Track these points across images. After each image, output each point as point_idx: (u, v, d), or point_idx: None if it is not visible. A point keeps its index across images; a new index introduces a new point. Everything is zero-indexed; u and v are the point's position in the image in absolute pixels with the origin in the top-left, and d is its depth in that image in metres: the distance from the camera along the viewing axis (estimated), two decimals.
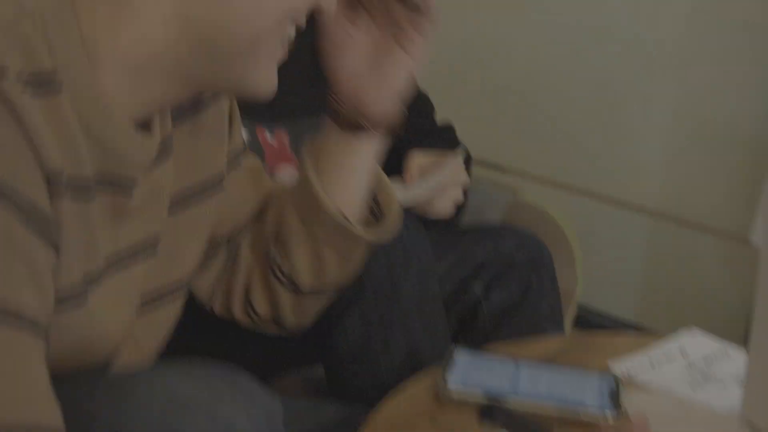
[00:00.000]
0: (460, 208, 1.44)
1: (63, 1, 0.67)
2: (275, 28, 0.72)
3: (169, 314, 0.85)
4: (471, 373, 0.94)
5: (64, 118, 0.65)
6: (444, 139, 1.52)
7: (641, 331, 1.94)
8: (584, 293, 1.81)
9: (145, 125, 0.73)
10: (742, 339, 1.77)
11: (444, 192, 1.33)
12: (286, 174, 1.38)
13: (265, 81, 0.75)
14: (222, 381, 0.68)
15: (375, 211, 0.99)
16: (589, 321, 1.95)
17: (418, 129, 1.48)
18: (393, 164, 1.33)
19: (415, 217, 1.22)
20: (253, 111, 1.31)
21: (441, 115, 1.54)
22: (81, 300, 0.70)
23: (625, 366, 1.01)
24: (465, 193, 1.49)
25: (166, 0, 0.69)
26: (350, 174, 0.91)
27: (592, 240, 1.96)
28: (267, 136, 1.36)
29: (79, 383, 0.68)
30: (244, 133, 1.33)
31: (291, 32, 0.75)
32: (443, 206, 1.36)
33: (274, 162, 1.36)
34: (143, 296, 0.81)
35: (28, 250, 0.61)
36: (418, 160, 1.34)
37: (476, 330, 1.38)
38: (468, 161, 1.55)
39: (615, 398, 0.91)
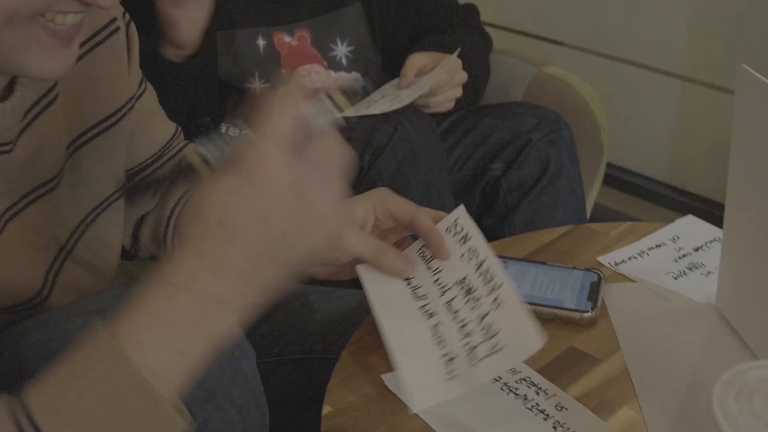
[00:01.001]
0: (477, 92, 1.47)
1: None
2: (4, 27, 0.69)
3: (99, 241, 0.91)
4: None
5: None
6: (461, 20, 1.53)
7: (672, 189, 1.96)
8: (617, 155, 1.83)
9: (5, 91, 0.78)
10: None
11: (442, 91, 1.36)
12: (311, 71, 1.42)
13: (37, 70, 0.73)
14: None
15: None
16: (620, 180, 1.97)
17: (435, 12, 1.50)
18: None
19: (423, 114, 1.26)
20: (270, 16, 1.35)
21: None
22: None
23: (613, 257, 1.06)
24: (486, 73, 1.51)
25: None
26: None
27: (623, 103, 1.96)
28: (284, 38, 1.40)
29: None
30: (260, 40, 1.37)
31: (62, 19, 0.72)
32: (441, 105, 1.39)
33: (294, 62, 1.40)
34: (61, 240, 0.86)
35: None
36: (416, 61, 1.36)
37: (497, 207, 1.44)
38: (488, 46, 1.55)
39: (594, 295, 0.96)
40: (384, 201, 0.92)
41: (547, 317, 0.94)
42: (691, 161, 1.95)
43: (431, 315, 0.86)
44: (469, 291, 0.86)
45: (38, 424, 0.57)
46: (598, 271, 1.00)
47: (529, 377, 0.86)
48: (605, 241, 1.09)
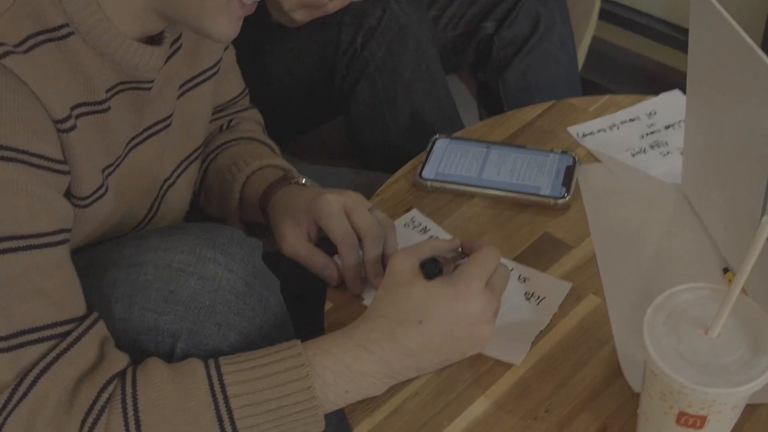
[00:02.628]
0: None
1: None
2: None
3: (189, 180, 1.02)
4: (444, 163, 1.08)
5: (77, 60, 0.78)
6: None
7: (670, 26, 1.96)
8: None
9: (157, 37, 0.87)
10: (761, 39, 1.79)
11: None
12: None
13: (218, 31, 0.83)
14: (204, 244, 0.85)
15: None
16: (617, 16, 1.97)
17: None
18: None
19: None
20: None
21: None
22: (102, 191, 0.86)
23: (582, 128, 1.12)
24: None
25: None
26: None
27: None
28: None
29: (105, 254, 0.87)
30: None
31: None
32: None
33: None
34: (166, 172, 0.97)
35: (35, 191, 0.75)
36: None
37: (491, 64, 1.49)
38: None
39: (568, 180, 1.04)
40: (326, 219, 0.95)
41: (525, 203, 1.02)
42: None
43: None
44: None
45: (228, 394, 0.77)
46: (574, 155, 1.07)
47: None
48: (584, 117, 1.14)
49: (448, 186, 1.05)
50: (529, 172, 1.05)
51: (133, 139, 0.90)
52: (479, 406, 0.84)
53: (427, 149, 1.10)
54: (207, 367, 0.79)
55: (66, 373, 0.75)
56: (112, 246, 0.88)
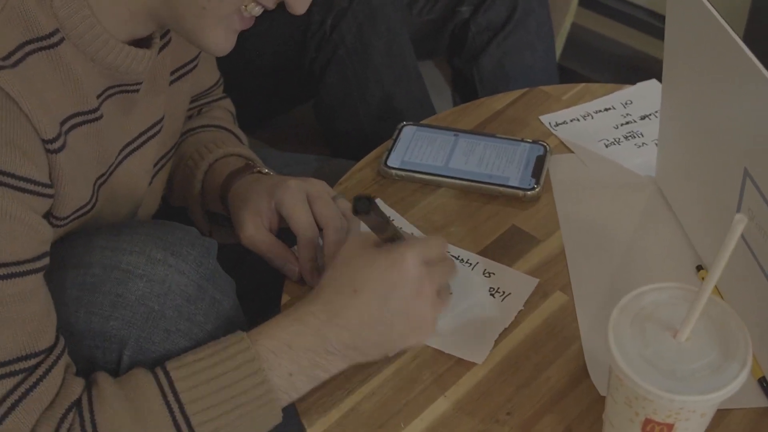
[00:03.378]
0: None
1: None
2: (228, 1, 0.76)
3: (164, 179, 0.98)
4: (411, 151, 1.03)
5: (68, 68, 0.74)
6: None
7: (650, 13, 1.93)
8: None
9: (146, 38, 0.82)
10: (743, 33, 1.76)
11: None
12: None
13: (213, 44, 0.80)
14: (154, 245, 0.80)
15: None
16: (598, 2, 1.93)
17: None
18: None
19: None
20: None
21: None
22: (88, 207, 0.82)
23: (555, 117, 1.08)
24: None
25: None
26: None
27: None
28: None
29: (54, 251, 0.80)
30: None
31: (252, 9, 0.79)
32: None
33: None
34: (150, 174, 0.93)
35: (19, 216, 0.71)
36: None
37: (466, 50, 1.44)
38: None
39: (538, 171, 0.99)
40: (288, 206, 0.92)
41: (493, 194, 0.98)
42: None
43: None
44: None
45: (177, 389, 0.74)
46: (545, 144, 1.03)
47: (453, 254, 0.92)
48: (557, 106, 1.10)
49: (413, 175, 1.00)
50: (498, 162, 1.01)
51: (128, 145, 0.86)
52: (439, 407, 0.80)
53: (394, 137, 1.05)
54: (156, 377, 0.75)
55: (31, 409, 0.71)
56: (61, 244, 0.82)
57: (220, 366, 0.76)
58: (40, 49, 0.72)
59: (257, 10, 0.80)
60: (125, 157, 0.87)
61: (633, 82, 1.12)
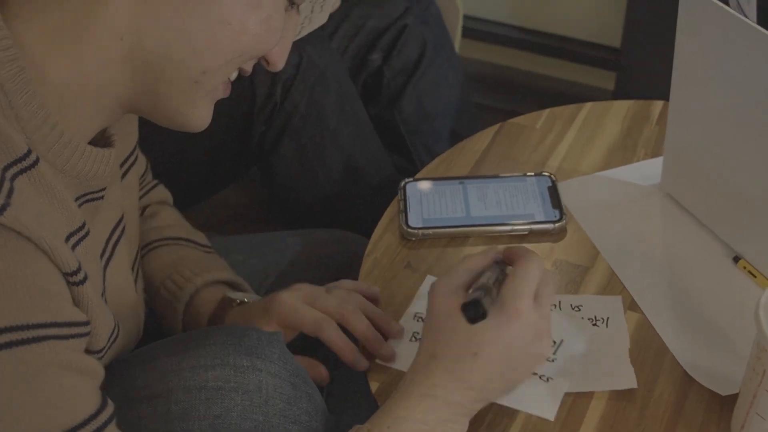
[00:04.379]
0: None
1: (15, 59, 0.65)
2: (222, 69, 0.71)
3: (142, 286, 0.92)
4: (426, 208, 1.03)
5: (50, 186, 0.66)
6: None
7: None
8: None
9: (100, 134, 0.76)
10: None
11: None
12: None
13: (198, 118, 0.75)
14: (234, 352, 0.75)
15: None
16: (473, 30, 2.01)
17: None
18: None
19: (318, 32, 1.23)
20: None
21: None
22: (116, 332, 0.76)
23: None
24: None
25: (123, 19, 0.67)
26: None
27: None
28: None
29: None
30: None
31: (233, 75, 0.75)
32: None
33: None
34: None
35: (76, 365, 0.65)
36: None
37: (384, 96, 1.45)
38: None
39: (556, 201, 1.03)
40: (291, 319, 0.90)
41: (522, 233, 1.01)
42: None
43: None
44: None
45: None
46: (549, 174, 1.06)
47: None
48: (535, 136, 1.14)
49: (440, 231, 1.01)
50: (516, 201, 1.03)
51: (102, 256, 0.79)
52: None
53: (400, 196, 1.05)
54: None
55: None
56: (110, 381, 0.75)
57: None
58: (22, 171, 0.64)
59: (235, 74, 0.77)
60: (105, 271, 0.80)
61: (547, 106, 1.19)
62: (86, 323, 0.67)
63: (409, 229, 1.01)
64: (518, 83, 2.05)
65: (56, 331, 0.62)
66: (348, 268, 1.06)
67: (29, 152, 0.64)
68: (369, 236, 1.11)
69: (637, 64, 1.83)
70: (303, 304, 0.88)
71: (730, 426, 0.81)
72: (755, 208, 0.91)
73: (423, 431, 0.76)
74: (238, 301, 0.93)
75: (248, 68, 0.76)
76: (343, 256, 1.13)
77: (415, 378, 0.78)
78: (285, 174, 1.24)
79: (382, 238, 1.02)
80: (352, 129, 1.25)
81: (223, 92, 0.76)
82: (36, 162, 0.65)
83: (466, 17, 1.90)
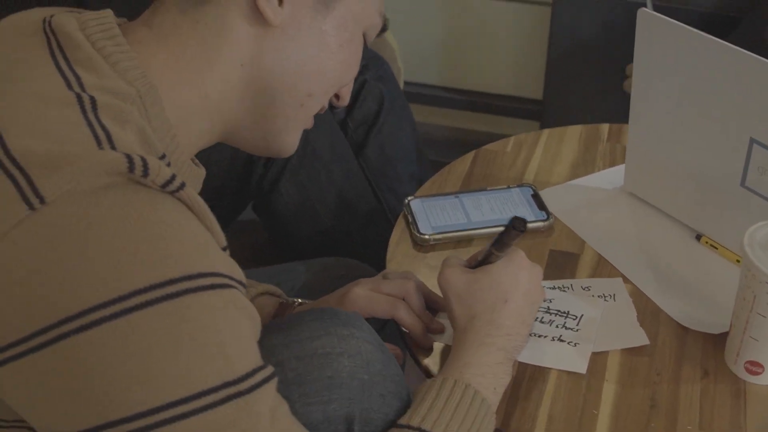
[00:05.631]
0: None
1: (145, 76, 0.76)
2: (324, 94, 0.86)
3: None
4: (432, 218, 1.18)
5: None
6: None
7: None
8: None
9: None
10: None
11: None
12: None
13: (290, 144, 0.89)
14: (336, 324, 0.86)
15: None
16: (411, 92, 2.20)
17: None
18: None
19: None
20: None
21: None
22: None
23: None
24: None
25: (246, 47, 0.80)
26: None
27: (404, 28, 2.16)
28: None
29: None
30: None
31: (325, 106, 0.89)
32: None
33: None
34: None
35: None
36: None
37: (349, 143, 1.60)
38: None
39: (542, 204, 1.20)
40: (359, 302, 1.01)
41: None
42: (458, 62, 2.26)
43: None
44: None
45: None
46: (530, 185, 1.23)
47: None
48: (507, 158, 1.31)
49: (448, 236, 1.15)
50: (507, 207, 1.19)
51: None
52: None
53: (405, 211, 1.19)
54: None
55: None
56: None
57: (457, 408, 0.85)
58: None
59: (325, 107, 0.91)
60: None
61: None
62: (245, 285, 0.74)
63: (421, 236, 1.15)
64: (452, 138, 2.26)
65: (234, 283, 0.71)
66: None
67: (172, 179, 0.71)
68: (364, 262, 1.24)
69: (559, 111, 2.05)
70: (373, 292, 1.00)
71: (724, 357, 0.98)
72: (712, 192, 1.10)
73: (486, 373, 0.89)
74: (299, 301, 1.04)
75: (348, 97, 0.90)
76: (356, 278, 1.26)
77: (465, 334, 0.92)
78: (285, 210, 1.37)
79: (397, 247, 1.16)
80: (343, 165, 1.39)
81: (311, 122, 0.89)
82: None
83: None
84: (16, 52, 0.77)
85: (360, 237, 1.37)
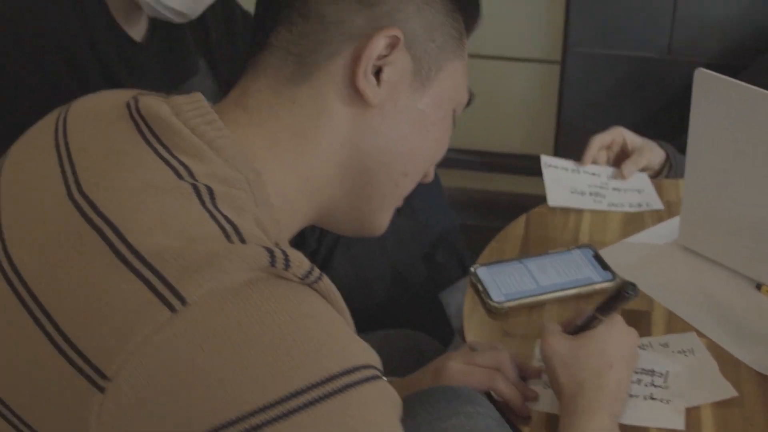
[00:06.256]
0: None
1: (247, 161, 0.75)
2: (418, 173, 0.86)
3: None
4: (502, 286, 1.20)
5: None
6: None
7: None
8: None
9: None
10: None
11: None
12: None
13: (382, 224, 0.88)
14: (459, 400, 0.90)
15: None
16: None
17: None
18: None
19: None
20: None
21: None
22: None
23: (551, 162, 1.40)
24: None
25: (344, 127, 0.79)
26: None
27: None
28: None
29: None
30: None
31: (413, 187, 0.87)
32: None
33: None
34: None
35: None
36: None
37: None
38: None
39: (605, 265, 1.23)
40: None
41: (587, 294, 1.20)
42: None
43: None
44: None
45: None
46: (589, 246, 1.27)
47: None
48: (558, 220, 1.35)
49: (522, 302, 1.18)
50: (573, 269, 1.23)
51: None
52: None
53: (473, 279, 1.22)
54: None
55: None
56: None
57: None
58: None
59: (413, 188, 0.89)
60: None
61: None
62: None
63: (495, 304, 1.18)
64: (467, 199, 2.30)
65: (380, 373, 0.71)
66: (422, 357, 1.21)
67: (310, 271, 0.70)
68: (416, 329, 1.26)
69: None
70: (468, 365, 1.02)
71: None
72: None
73: None
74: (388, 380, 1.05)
75: (431, 175, 0.91)
76: (416, 348, 1.28)
77: (576, 403, 0.94)
78: (339, 286, 1.37)
79: (472, 316, 1.18)
80: (395, 235, 1.41)
81: (402, 201, 0.88)
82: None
83: None
84: (107, 141, 0.74)
85: (413, 308, 1.40)
